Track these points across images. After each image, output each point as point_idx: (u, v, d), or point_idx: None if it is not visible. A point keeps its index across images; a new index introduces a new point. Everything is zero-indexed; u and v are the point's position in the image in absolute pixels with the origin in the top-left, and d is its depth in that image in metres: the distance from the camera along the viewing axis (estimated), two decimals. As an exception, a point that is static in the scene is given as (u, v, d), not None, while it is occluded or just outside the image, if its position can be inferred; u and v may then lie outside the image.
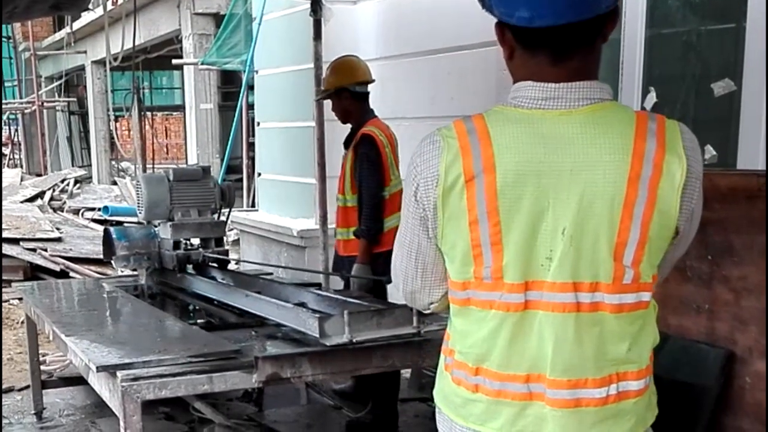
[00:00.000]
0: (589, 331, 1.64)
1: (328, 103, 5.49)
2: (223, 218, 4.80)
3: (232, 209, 4.95)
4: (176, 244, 4.62)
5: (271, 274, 5.15)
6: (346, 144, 4.65)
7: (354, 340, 3.04)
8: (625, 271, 1.62)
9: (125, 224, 9.40)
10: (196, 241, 4.71)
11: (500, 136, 1.63)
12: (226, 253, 4.76)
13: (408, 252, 1.80)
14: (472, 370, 1.72)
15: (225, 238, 4.83)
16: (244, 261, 5.67)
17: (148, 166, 16.88)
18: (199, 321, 4.15)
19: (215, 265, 4.64)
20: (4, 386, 4.99)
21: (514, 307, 1.64)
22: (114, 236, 4.68)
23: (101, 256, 5.12)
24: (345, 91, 4.62)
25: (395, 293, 4.07)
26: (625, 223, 1.60)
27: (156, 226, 4.74)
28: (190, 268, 4.63)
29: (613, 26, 1.68)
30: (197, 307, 4.37)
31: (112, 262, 4.75)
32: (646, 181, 1.58)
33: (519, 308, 1.64)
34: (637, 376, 1.69)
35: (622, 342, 1.66)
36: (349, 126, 4.70)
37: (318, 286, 4.71)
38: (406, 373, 5.21)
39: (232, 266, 5.03)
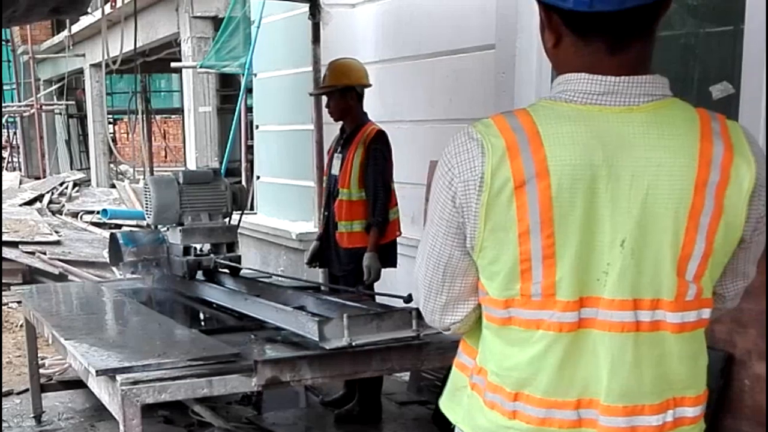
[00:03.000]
0: (648, 353, 1.48)
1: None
2: (234, 222, 4.73)
3: (244, 213, 4.91)
4: (186, 250, 4.53)
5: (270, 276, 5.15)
6: (346, 142, 4.72)
7: (353, 344, 3.05)
8: (689, 286, 1.47)
9: (132, 229, 9.38)
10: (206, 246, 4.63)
11: (552, 135, 1.44)
12: (239, 258, 4.68)
13: (435, 264, 1.59)
14: (510, 396, 1.53)
15: (237, 244, 4.76)
16: (256, 270, 5.60)
17: (147, 169, 16.89)
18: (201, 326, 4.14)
19: (226, 271, 4.60)
20: (3, 389, 4.98)
21: (567, 327, 1.47)
22: (121, 242, 4.58)
23: (100, 259, 5.07)
24: (352, 90, 4.72)
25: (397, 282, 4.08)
26: (691, 234, 1.44)
27: (165, 231, 4.65)
28: (199, 274, 4.57)
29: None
30: (207, 315, 4.30)
31: (120, 268, 4.66)
32: (713, 188, 1.43)
33: (572, 328, 1.47)
34: (695, 402, 1.55)
35: (683, 364, 1.51)
36: (336, 126, 4.79)
37: (318, 289, 4.72)
38: (405, 376, 5.21)
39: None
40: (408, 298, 3.80)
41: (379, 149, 4.63)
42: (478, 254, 1.52)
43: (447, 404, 1.72)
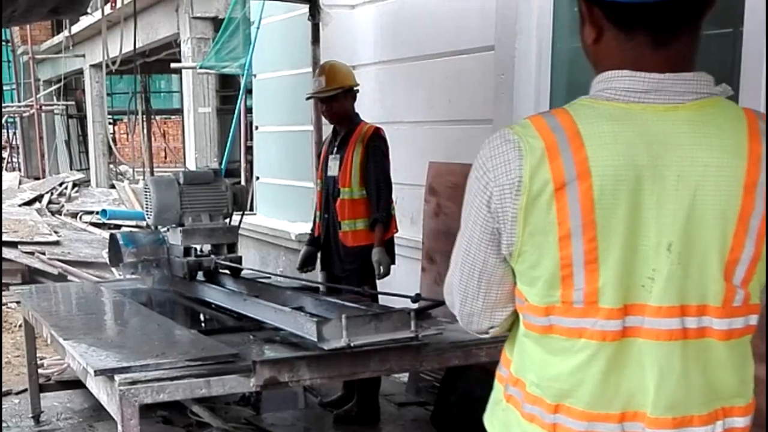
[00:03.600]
0: (696, 361, 1.42)
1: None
2: (235, 223, 4.70)
3: (245, 213, 4.90)
4: (186, 251, 4.51)
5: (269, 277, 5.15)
6: (342, 143, 4.73)
7: (352, 344, 3.05)
8: (736, 291, 1.41)
9: (132, 230, 9.37)
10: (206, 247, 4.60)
11: (593, 134, 1.38)
12: (239, 259, 4.67)
13: (470, 270, 1.54)
14: (550, 407, 1.46)
15: (237, 244, 4.74)
16: (258, 271, 5.59)
17: (147, 169, 16.90)
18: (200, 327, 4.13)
19: (227, 272, 4.59)
20: (2, 389, 4.98)
21: (611, 335, 1.40)
22: (121, 242, 4.56)
23: (99, 260, 5.06)
24: (352, 90, 4.76)
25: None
26: (740, 237, 1.38)
27: (165, 232, 4.63)
28: (199, 275, 4.55)
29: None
30: (206, 316, 4.29)
31: (120, 269, 4.64)
32: (763, 190, 1.37)
33: (616, 337, 1.41)
34: (744, 412, 1.47)
35: (730, 372, 1.45)
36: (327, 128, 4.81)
37: (316, 289, 4.72)
38: (403, 377, 5.21)
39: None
40: (415, 298, 3.81)
41: (378, 146, 4.66)
42: (516, 259, 1.46)
43: (487, 418, 1.65)
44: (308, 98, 5.04)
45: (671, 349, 1.40)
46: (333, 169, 4.75)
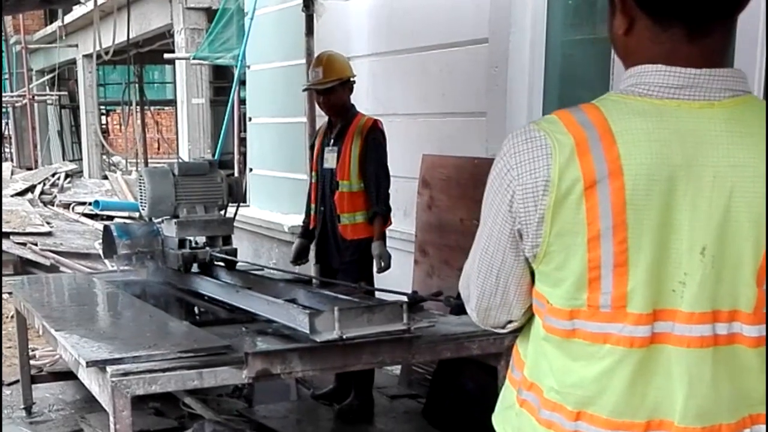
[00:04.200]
0: (725, 369, 1.37)
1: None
2: (230, 215, 4.67)
3: (240, 205, 4.85)
4: (181, 243, 4.46)
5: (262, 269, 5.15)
6: (339, 135, 4.67)
7: (344, 337, 3.05)
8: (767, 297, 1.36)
9: (126, 221, 9.35)
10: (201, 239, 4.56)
11: (626, 131, 1.32)
12: (235, 251, 4.64)
13: (488, 268, 1.50)
14: (571, 415, 1.40)
15: (233, 236, 4.71)
16: (253, 264, 5.57)
17: (139, 160, 16.87)
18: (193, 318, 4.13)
19: (222, 264, 4.57)
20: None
21: (638, 342, 1.35)
22: (115, 234, 4.52)
23: (91, 251, 5.04)
24: (349, 82, 4.70)
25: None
26: None
27: (159, 223, 4.59)
28: (194, 267, 4.52)
29: None
30: (198, 307, 4.28)
31: (113, 260, 4.60)
32: None
33: (644, 343, 1.35)
34: None
35: (758, 379, 1.39)
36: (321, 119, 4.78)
37: (309, 282, 4.71)
38: (396, 369, 5.22)
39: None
40: (411, 296, 3.81)
41: (377, 139, 4.61)
42: (541, 260, 1.40)
43: (498, 423, 1.59)
44: (305, 90, 5.00)
45: (702, 356, 1.35)
46: (330, 161, 4.70)
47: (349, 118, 4.69)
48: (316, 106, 5.84)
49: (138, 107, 18.60)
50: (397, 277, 4.66)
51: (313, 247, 4.94)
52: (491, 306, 1.54)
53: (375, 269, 4.59)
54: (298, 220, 6.72)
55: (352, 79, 4.72)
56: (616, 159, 1.31)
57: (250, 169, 8.08)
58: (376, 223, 4.58)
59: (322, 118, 5.61)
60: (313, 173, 4.89)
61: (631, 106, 1.36)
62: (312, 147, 5.01)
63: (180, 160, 4.91)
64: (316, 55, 5.77)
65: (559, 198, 1.33)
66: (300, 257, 4.97)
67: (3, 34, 20.84)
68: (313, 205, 4.88)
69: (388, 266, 4.58)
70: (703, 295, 1.33)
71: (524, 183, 1.37)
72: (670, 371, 1.36)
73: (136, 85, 18.63)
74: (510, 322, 1.56)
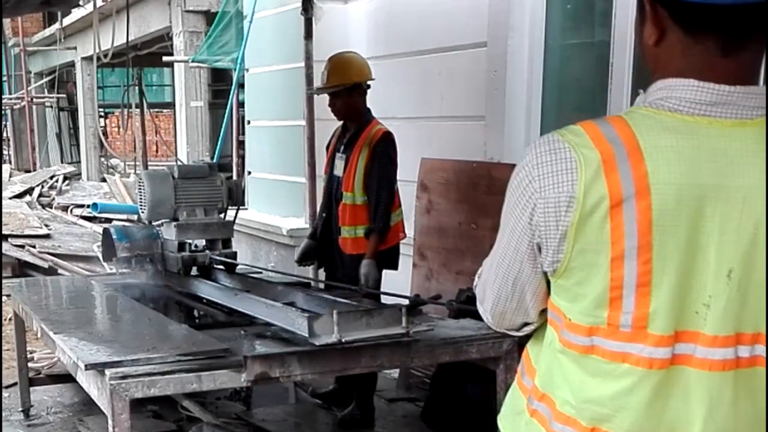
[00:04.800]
0: (745, 391, 1.34)
1: (319, 102, 5.50)
2: (230, 218, 4.64)
3: (240, 209, 4.81)
4: (181, 246, 4.44)
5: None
6: (350, 142, 4.57)
7: (343, 340, 3.05)
8: None
9: (125, 224, 9.33)
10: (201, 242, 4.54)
11: (655, 148, 1.28)
12: (234, 255, 4.61)
13: (505, 275, 1.48)
14: (585, 430, 1.38)
15: (232, 240, 4.68)
16: (253, 266, 5.55)
17: (138, 163, 16.85)
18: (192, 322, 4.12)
19: (221, 267, 4.54)
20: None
21: (658, 363, 1.31)
22: (114, 236, 4.49)
23: (90, 253, 5.02)
24: (359, 87, 4.56)
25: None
26: None
27: (159, 227, 4.57)
28: (193, 270, 4.50)
29: None
30: (197, 310, 4.27)
31: (113, 263, 4.57)
32: None
33: (664, 365, 1.32)
34: None
35: None
36: (331, 124, 4.68)
37: (307, 285, 4.71)
38: (394, 373, 5.22)
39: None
40: (413, 299, 3.80)
41: (384, 151, 4.46)
42: (561, 274, 1.37)
43: (505, 424, 1.59)
44: (311, 93, 4.87)
45: (723, 379, 1.32)
46: (338, 168, 4.58)
47: (362, 125, 4.56)
48: (315, 110, 5.87)
49: (138, 110, 18.60)
50: (396, 280, 4.66)
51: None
52: (507, 310, 1.52)
53: (360, 284, 4.34)
54: (296, 223, 6.74)
55: (364, 84, 4.57)
56: (644, 177, 1.27)
57: (249, 172, 8.08)
58: (371, 240, 4.43)
59: (321, 123, 5.62)
60: (324, 176, 4.80)
61: (661, 121, 1.31)
62: (328, 147, 4.85)
63: (180, 163, 4.90)
64: (314, 57, 5.80)
65: (584, 216, 1.30)
66: (306, 258, 4.87)
67: (2, 36, 20.85)
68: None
69: (374, 287, 4.37)
70: (728, 319, 1.31)
71: (546, 197, 1.33)
72: (689, 393, 1.33)
73: (136, 88, 18.62)
74: (526, 324, 1.55)
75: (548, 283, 1.45)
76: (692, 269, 1.30)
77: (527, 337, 1.60)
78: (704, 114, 1.31)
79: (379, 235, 4.45)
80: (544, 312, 1.49)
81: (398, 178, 4.78)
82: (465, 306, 3.69)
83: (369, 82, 4.62)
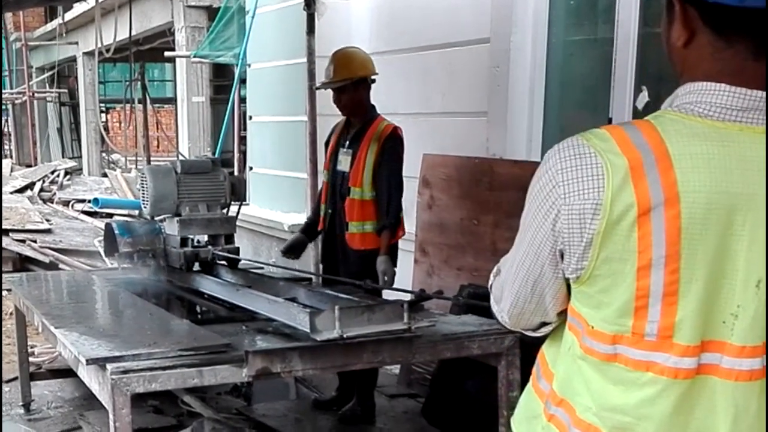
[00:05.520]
0: None
1: (321, 98, 5.49)
2: (232, 213, 4.61)
3: (242, 204, 4.79)
4: (183, 241, 4.42)
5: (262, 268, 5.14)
6: (356, 137, 4.55)
7: (344, 336, 3.04)
8: None
9: (127, 219, 9.32)
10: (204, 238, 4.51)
11: (684, 155, 1.25)
12: (237, 250, 4.59)
13: (525, 278, 1.44)
14: None
15: (236, 235, 4.66)
16: (256, 261, 5.52)
17: (139, 158, 16.86)
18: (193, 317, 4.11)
19: (224, 263, 4.53)
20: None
21: (683, 373, 1.30)
22: (116, 232, 4.46)
23: (90, 248, 5.00)
24: (365, 81, 4.54)
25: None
26: None
27: (161, 222, 4.55)
28: (195, 265, 4.48)
29: None
30: (198, 305, 4.24)
31: (115, 258, 4.55)
32: None
33: (689, 375, 1.30)
34: None
35: None
36: (333, 120, 4.65)
37: (309, 281, 4.70)
38: (395, 369, 5.22)
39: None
40: (418, 294, 3.79)
41: (394, 147, 4.46)
42: (584, 281, 1.34)
43: (520, 428, 1.56)
44: (317, 88, 4.85)
45: (750, 388, 1.31)
46: (344, 164, 4.55)
47: (367, 120, 4.55)
48: (317, 105, 5.86)
49: (141, 105, 18.59)
50: (398, 276, 4.65)
51: (313, 246, 4.88)
52: (525, 311, 1.50)
53: (379, 284, 4.36)
54: (298, 218, 6.73)
55: (370, 78, 4.56)
56: (673, 185, 1.24)
57: (250, 168, 8.08)
58: (384, 236, 4.43)
59: (323, 118, 5.61)
60: (325, 172, 4.75)
61: (691, 127, 1.28)
62: (327, 144, 4.83)
63: (182, 158, 4.88)
64: (316, 53, 5.79)
65: (611, 224, 1.27)
66: (292, 251, 4.85)
67: (3, 31, 20.86)
68: (323, 206, 4.74)
69: (391, 283, 4.41)
70: (756, 329, 1.29)
71: (571, 203, 1.30)
72: (714, 403, 1.31)
73: (138, 83, 18.62)
74: (544, 324, 1.52)
75: (568, 286, 1.42)
76: (720, 279, 1.27)
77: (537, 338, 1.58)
78: (735, 120, 1.28)
79: (392, 231, 4.47)
80: (562, 313, 1.47)
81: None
82: (472, 302, 3.69)
83: (373, 77, 4.61)
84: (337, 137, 4.71)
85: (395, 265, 4.56)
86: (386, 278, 4.40)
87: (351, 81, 4.49)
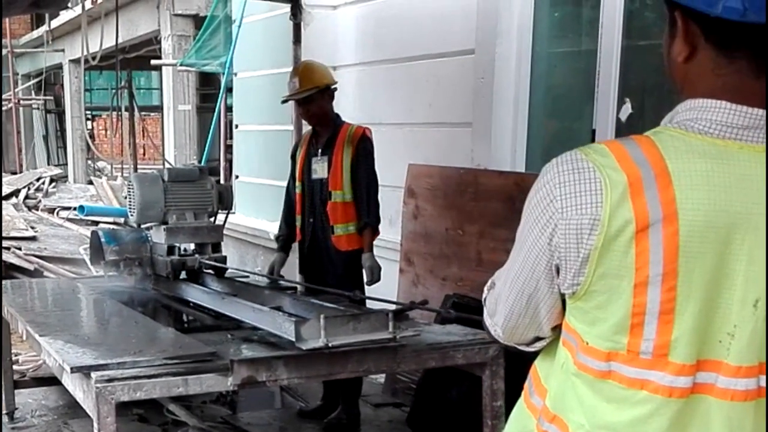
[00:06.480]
0: (764, 419, 1.32)
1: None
2: (219, 222, 4.61)
3: (230, 213, 4.80)
4: (170, 250, 4.41)
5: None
6: (328, 144, 4.62)
7: (329, 345, 3.05)
8: None
9: (113, 227, 9.28)
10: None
11: (684, 172, 1.24)
12: (224, 259, 4.59)
13: (519, 292, 1.43)
14: None
15: (222, 244, 4.67)
16: (243, 270, 5.51)
17: (125, 166, 16.81)
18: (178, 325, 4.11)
19: (211, 272, 4.54)
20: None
21: (678, 392, 1.28)
22: (103, 239, 4.44)
23: (76, 256, 4.98)
24: (329, 90, 4.65)
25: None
26: None
27: (148, 230, 4.55)
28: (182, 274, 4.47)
29: None
30: (184, 314, 4.25)
31: (101, 266, 4.52)
32: None
33: (684, 394, 1.29)
34: None
35: None
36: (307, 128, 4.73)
37: (294, 290, 4.71)
38: (380, 378, 5.23)
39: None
40: (408, 305, 3.82)
41: (367, 148, 4.59)
42: (580, 297, 1.33)
43: None
44: (284, 101, 4.92)
45: (745, 409, 1.30)
46: (320, 171, 4.62)
47: (336, 128, 4.65)
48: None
49: (127, 113, 18.55)
50: (383, 286, 4.67)
51: (292, 259, 4.89)
52: (519, 325, 1.49)
53: (365, 281, 4.55)
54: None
55: (332, 87, 4.67)
56: (672, 202, 1.23)
57: (236, 177, 8.08)
58: (366, 234, 4.56)
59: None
60: (298, 183, 4.79)
61: (691, 144, 1.28)
62: (293, 157, 4.91)
63: (170, 166, 4.88)
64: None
65: (608, 239, 1.26)
66: (277, 271, 4.87)
67: (-11, 37, 20.78)
68: (298, 217, 4.77)
69: (378, 278, 4.56)
70: (752, 349, 1.28)
71: (568, 218, 1.29)
72: (708, 423, 1.30)
73: (125, 91, 18.58)
74: (538, 339, 1.51)
75: (563, 301, 1.41)
76: (717, 298, 1.27)
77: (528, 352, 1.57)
78: (736, 138, 1.28)
79: (374, 228, 4.61)
80: (556, 328, 1.46)
81: (385, 183, 4.80)
82: (461, 315, 3.71)
83: (334, 86, 4.73)
84: (306, 148, 4.78)
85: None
86: (373, 275, 4.53)
87: (318, 89, 4.58)
